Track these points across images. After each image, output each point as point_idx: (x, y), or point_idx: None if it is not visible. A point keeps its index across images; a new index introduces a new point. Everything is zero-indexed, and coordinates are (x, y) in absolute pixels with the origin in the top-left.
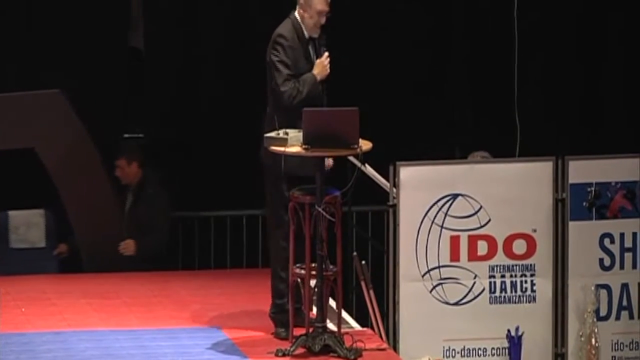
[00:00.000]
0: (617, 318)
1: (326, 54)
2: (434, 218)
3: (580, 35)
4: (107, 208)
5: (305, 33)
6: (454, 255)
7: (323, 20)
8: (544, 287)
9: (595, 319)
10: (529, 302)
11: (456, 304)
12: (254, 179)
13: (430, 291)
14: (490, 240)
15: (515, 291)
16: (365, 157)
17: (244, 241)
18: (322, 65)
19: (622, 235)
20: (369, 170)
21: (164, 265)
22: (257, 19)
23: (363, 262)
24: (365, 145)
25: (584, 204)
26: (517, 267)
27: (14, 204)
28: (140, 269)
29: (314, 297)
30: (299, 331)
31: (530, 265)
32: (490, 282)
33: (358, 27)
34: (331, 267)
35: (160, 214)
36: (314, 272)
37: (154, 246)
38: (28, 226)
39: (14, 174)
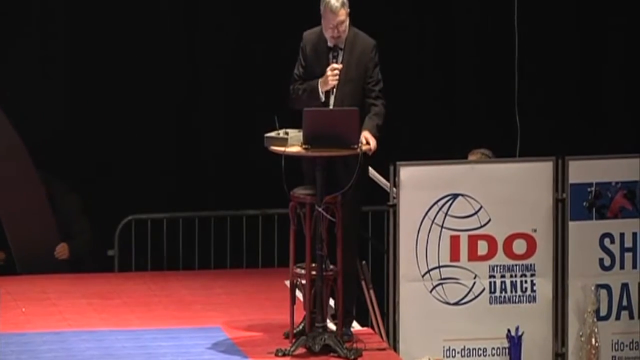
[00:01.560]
0: (617, 318)
1: (334, 65)
2: (434, 218)
3: (581, 35)
4: (42, 213)
5: (328, 41)
6: (454, 255)
7: (336, 32)
8: (544, 287)
9: (595, 319)
10: (529, 302)
11: (456, 304)
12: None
13: (431, 291)
14: (491, 240)
15: (515, 291)
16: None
17: (244, 241)
18: (325, 75)
19: (622, 235)
20: (369, 170)
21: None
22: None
23: (363, 262)
24: (367, 145)
25: (584, 204)
26: (517, 267)
27: None
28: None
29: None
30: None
31: (531, 265)
32: (490, 282)
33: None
34: (331, 267)
35: (74, 215)
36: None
37: (81, 247)
38: None
39: None
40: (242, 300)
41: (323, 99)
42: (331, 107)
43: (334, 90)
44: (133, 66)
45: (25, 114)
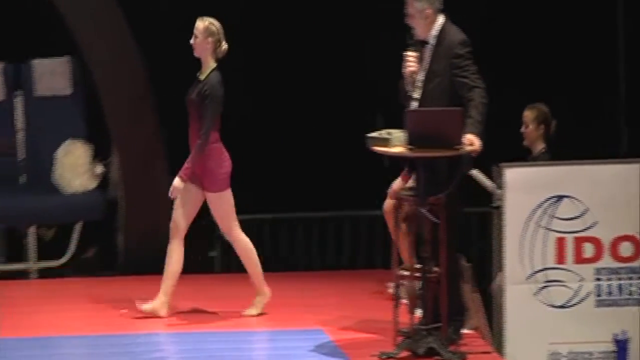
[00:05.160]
0: None
1: (407, 53)
2: (540, 220)
3: None
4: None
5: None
6: (560, 258)
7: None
8: None
9: None
10: (636, 305)
11: (562, 306)
12: (354, 180)
13: (536, 294)
14: (597, 243)
15: (622, 294)
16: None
17: (343, 242)
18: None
19: None
20: (474, 171)
21: None
22: None
23: (468, 264)
24: (471, 146)
25: None
26: (624, 270)
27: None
28: None
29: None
30: None
31: (637, 268)
32: (596, 285)
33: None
34: (435, 268)
35: None
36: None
37: None
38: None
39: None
40: (343, 302)
41: (409, 92)
42: (415, 97)
43: (420, 84)
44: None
45: None
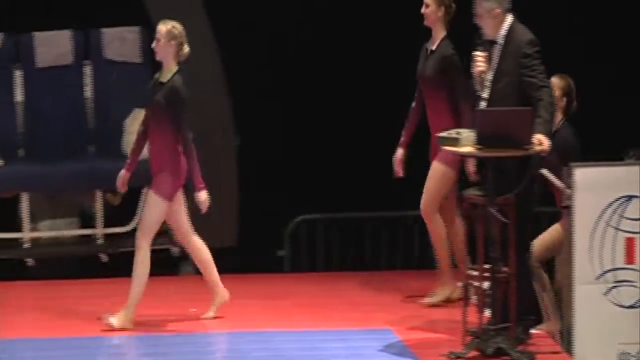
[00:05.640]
0: None
1: (476, 52)
2: (609, 220)
3: None
4: None
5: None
6: (629, 258)
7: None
8: None
9: None
10: None
11: (631, 307)
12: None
13: (605, 294)
14: None
15: None
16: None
17: (415, 242)
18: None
19: None
20: (543, 171)
21: None
22: None
23: (539, 264)
24: (540, 146)
25: None
26: None
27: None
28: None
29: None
30: None
31: None
32: None
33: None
34: (504, 268)
35: None
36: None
37: None
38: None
39: None
40: (411, 302)
41: (479, 91)
42: (484, 97)
43: (489, 83)
44: (308, 68)
45: None
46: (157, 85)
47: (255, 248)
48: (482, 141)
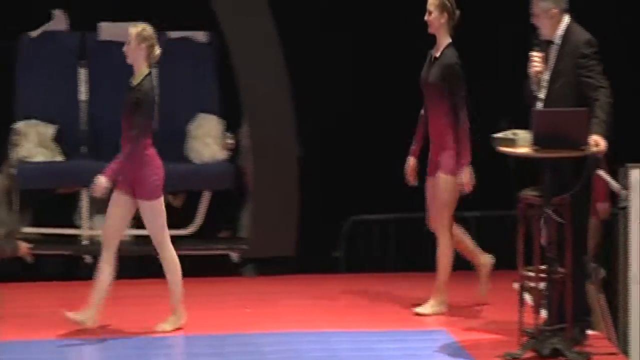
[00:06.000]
0: None
1: (532, 52)
2: None
3: None
4: None
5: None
6: None
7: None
8: None
9: None
10: None
11: None
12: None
13: None
14: None
15: None
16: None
17: None
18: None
19: None
20: (599, 171)
21: None
22: None
23: (595, 265)
24: (596, 147)
25: None
26: None
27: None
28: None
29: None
30: None
31: None
32: None
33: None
34: (560, 269)
35: None
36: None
37: None
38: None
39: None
40: (466, 302)
41: (535, 92)
42: (540, 97)
43: (546, 84)
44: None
45: None
46: (129, 88)
47: (311, 249)
48: (538, 142)
